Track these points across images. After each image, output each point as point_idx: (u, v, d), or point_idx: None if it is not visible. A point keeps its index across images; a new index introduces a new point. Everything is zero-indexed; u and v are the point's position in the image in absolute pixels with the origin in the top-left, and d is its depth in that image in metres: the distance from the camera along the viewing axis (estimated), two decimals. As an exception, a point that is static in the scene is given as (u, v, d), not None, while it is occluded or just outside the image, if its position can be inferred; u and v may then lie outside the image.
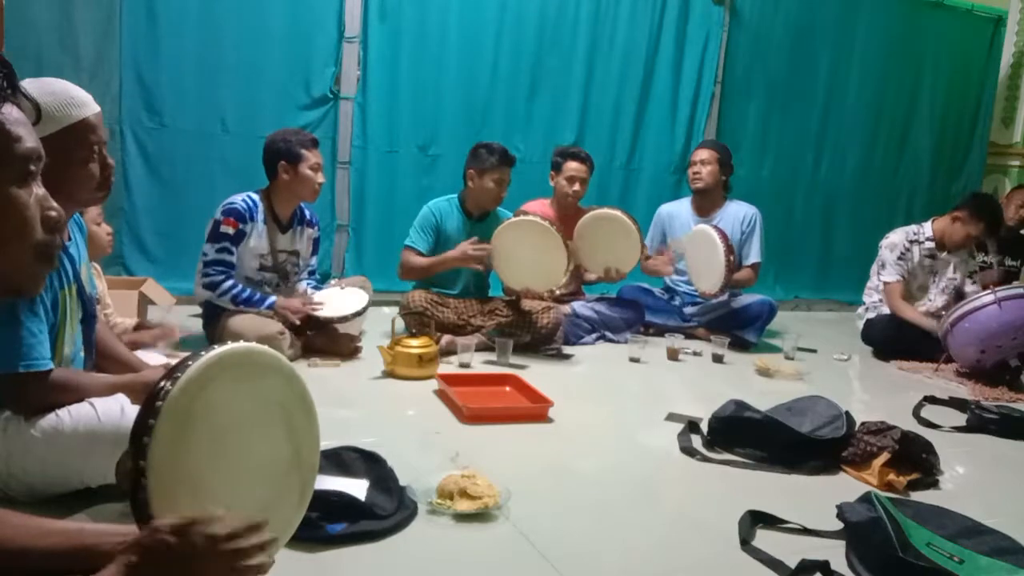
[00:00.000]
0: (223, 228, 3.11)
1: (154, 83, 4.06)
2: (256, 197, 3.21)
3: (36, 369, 1.60)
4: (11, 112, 0.89)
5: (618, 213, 3.74)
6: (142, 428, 1.03)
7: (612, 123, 5.06)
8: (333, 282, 3.55)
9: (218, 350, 1.12)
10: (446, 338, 3.41)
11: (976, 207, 4.09)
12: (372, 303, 3.40)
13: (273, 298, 3.18)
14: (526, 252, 3.46)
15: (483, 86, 4.70)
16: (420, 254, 3.58)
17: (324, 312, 3.23)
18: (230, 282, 3.11)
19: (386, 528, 1.74)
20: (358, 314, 3.28)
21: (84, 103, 1.68)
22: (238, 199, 3.17)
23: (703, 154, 4.31)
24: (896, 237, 4.22)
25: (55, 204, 0.94)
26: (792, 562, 1.70)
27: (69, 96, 1.65)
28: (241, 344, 1.17)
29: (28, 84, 1.60)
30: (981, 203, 4.15)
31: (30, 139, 0.90)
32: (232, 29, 4.15)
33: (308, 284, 3.44)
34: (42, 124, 1.53)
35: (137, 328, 2.65)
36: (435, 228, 3.63)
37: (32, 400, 1.65)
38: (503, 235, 3.49)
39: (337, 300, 3.32)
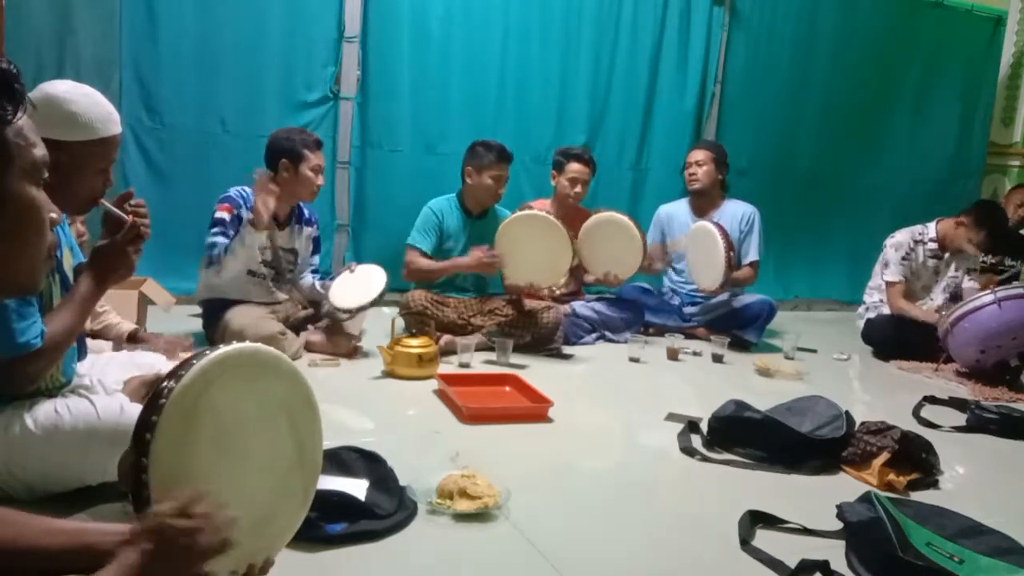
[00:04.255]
0: (218, 214, 3.11)
1: (154, 83, 4.05)
2: (251, 191, 3.20)
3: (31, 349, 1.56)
4: (27, 120, 0.92)
5: (624, 219, 3.74)
6: (145, 425, 1.04)
7: (616, 124, 5.04)
8: (351, 266, 3.43)
9: (222, 350, 1.13)
10: (446, 338, 3.41)
11: (979, 215, 4.11)
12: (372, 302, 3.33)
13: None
14: (531, 246, 3.47)
15: (484, 87, 4.68)
16: (424, 254, 3.59)
17: (345, 302, 3.17)
18: (220, 241, 3.04)
19: (386, 528, 1.74)
20: (380, 296, 3.21)
21: (118, 121, 1.79)
22: (232, 190, 3.17)
23: (698, 155, 4.31)
24: (901, 237, 4.24)
25: (54, 206, 0.98)
26: (792, 562, 1.70)
27: (110, 110, 1.76)
28: (245, 344, 1.18)
29: (70, 88, 1.69)
30: (985, 211, 4.16)
31: (42, 146, 0.94)
32: (232, 29, 4.14)
33: (315, 278, 3.43)
34: (80, 130, 1.67)
35: (131, 339, 2.52)
36: (437, 227, 3.64)
37: (29, 374, 1.63)
38: (510, 229, 3.49)
39: (352, 286, 3.26)
